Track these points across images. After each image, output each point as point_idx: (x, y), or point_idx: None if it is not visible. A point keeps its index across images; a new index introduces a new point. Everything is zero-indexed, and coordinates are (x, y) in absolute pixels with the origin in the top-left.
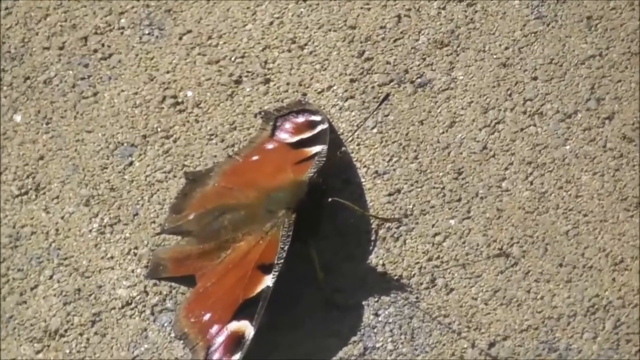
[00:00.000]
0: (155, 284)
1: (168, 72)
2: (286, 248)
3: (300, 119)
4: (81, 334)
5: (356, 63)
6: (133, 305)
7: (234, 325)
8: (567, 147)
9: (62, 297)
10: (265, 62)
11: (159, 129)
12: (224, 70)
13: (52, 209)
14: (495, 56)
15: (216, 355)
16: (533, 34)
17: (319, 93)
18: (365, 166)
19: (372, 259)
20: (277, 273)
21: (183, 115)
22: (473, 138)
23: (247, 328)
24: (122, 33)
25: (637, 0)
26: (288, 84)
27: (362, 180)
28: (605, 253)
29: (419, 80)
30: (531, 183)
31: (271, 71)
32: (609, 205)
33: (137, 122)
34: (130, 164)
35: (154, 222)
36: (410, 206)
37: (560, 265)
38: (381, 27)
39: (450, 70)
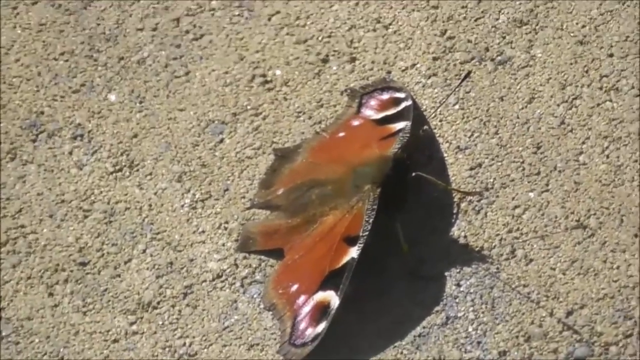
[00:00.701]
0: (245, 257)
1: (257, 51)
2: (371, 221)
3: (385, 96)
4: (173, 306)
5: (439, 42)
6: (223, 277)
7: (320, 296)
8: None
9: (155, 270)
10: (351, 41)
11: (248, 107)
12: (312, 50)
13: (146, 185)
14: (572, 34)
15: (302, 325)
16: (609, 12)
17: (402, 71)
18: (447, 141)
19: (455, 231)
20: (362, 245)
21: (272, 94)
22: (551, 113)
23: (333, 298)
24: (212, 14)
25: None
26: (373, 62)
27: (445, 155)
28: None
29: (499, 57)
30: (607, 156)
31: (357, 50)
32: None
33: (227, 101)
34: (221, 141)
35: (243, 197)
36: (491, 180)
37: (636, 235)
38: (462, 7)
39: (529, 48)
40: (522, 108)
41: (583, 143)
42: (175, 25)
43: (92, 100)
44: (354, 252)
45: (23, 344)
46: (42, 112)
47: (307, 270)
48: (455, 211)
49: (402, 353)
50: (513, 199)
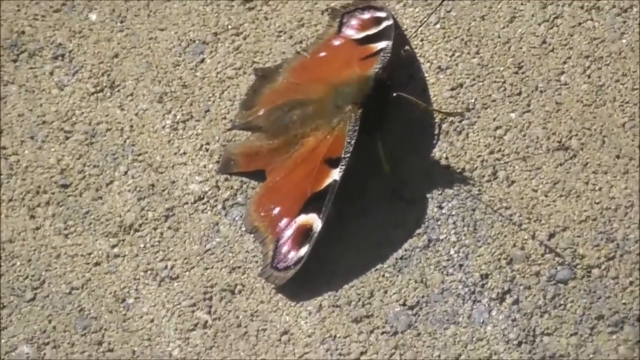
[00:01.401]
0: (226, 179)
1: None
2: (353, 142)
3: (366, 15)
4: (155, 229)
5: None
6: (205, 199)
7: (302, 219)
8: (624, 40)
9: (137, 192)
10: None
11: (229, 27)
12: None
13: (127, 106)
14: None
15: (285, 248)
16: None
17: None
18: (428, 61)
19: (436, 152)
20: (344, 167)
21: (252, 13)
22: (532, 33)
23: (315, 221)
24: None
25: None
26: None
27: (426, 75)
28: None
29: None
30: (589, 76)
31: None
32: None
33: (208, 20)
34: (202, 61)
35: (224, 118)
36: (472, 100)
37: (618, 157)
38: None
39: None
40: (503, 27)
41: (564, 63)
42: None
43: (73, 19)
44: (336, 174)
45: (4, 267)
46: (23, 32)
47: (289, 192)
48: (436, 132)
49: (383, 276)
50: (494, 119)
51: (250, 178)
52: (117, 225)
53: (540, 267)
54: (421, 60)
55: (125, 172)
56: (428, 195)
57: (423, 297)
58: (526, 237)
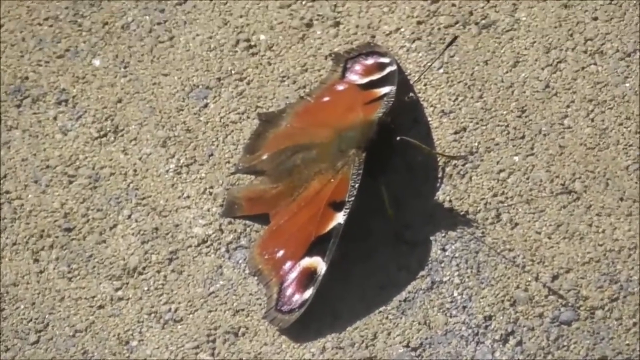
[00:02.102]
0: (230, 222)
1: (241, 16)
2: (357, 186)
3: (370, 60)
4: (159, 272)
5: (423, 5)
6: (209, 243)
7: (307, 262)
8: (627, 84)
9: (140, 235)
10: (335, 6)
11: (232, 72)
12: (295, 14)
13: (130, 151)
14: None
15: (289, 291)
16: None
17: (387, 35)
18: (432, 105)
19: (440, 195)
20: (348, 210)
21: (256, 58)
22: (536, 77)
23: (319, 264)
24: None
25: None
26: (357, 26)
27: (429, 119)
28: None
29: (483, 21)
30: (592, 120)
31: (341, 14)
32: None
33: (211, 65)
34: (205, 105)
35: (228, 162)
36: (476, 144)
37: (621, 199)
38: None
39: (513, 11)
40: (507, 72)
41: (568, 107)
42: None
43: (76, 65)
44: (340, 217)
45: (8, 310)
46: (27, 78)
47: (293, 235)
48: (439, 175)
49: (387, 318)
50: (498, 162)
51: (253, 221)
52: (121, 268)
53: (543, 308)
54: (425, 104)
55: (129, 216)
56: (431, 238)
57: (426, 338)
58: (529, 279)
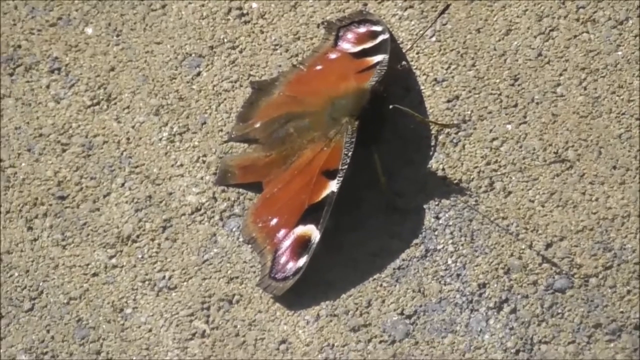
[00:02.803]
0: (223, 190)
1: None
2: (350, 154)
3: (362, 29)
4: (152, 240)
5: None
6: (202, 211)
7: (300, 230)
8: (619, 52)
9: (134, 204)
10: None
11: (225, 40)
12: None
13: (123, 119)
14: None
15: (283, 258)
16: None
17: (379, 3)
18: (424, 74)
19: (432, 164)
20: (341, 178)
21: (248, 27)
22: (528, 45)
23: (313, 232)
24: None
25: None
26: None
27: (422, 87)
28: None
29: None
30: (585, 88)
31: None
32: None
33: (204, 34)
34: (198, 74)
35: (221, 130)
36: (469, 112)
37: (614, 167)
38: None
39: None
40: (499, 40)
41: (560, 75)
42: None
43: (69, 33)
44: (333, 185)
45: (3, 277)
46: (20, 46)
47: (286, 203)
48: (432, 144)
49: (381, 285)
50: (491, 131)
51: (247, 190)
52: (115, 236)
53: (537, 276)
54: (417, 73)
55: (123, 184)
56: (425, 206)
57: (421, 306)
58: (523, 247)
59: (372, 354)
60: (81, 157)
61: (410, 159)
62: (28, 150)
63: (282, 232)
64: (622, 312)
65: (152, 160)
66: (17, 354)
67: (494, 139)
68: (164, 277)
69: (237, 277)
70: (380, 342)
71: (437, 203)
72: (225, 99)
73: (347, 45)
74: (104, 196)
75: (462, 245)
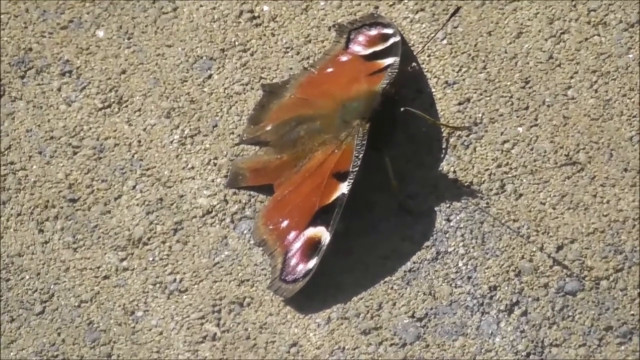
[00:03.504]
0: (234, 193)
1: None
2: (361, 156)
3: (373, 31)
4: (164, 242)
5: None
6: (213, 213)
7: (311, 232)
8: (630, 55)
9: (145, 206)
10: None
11: (236, 43)
12: None
13: (135, 121)
14: None
15: (294, 260)
16: None
17: (390, 6)
18: (435, 76)
19: (444, 166)
20: (352, 181)
21: (259, 29)
22: (539, 48)
23: (324, 234)
24: None
25: None
26: None
27: (433, 90)
28: None
29: None
30: (596, 91)
31: None
32: None
33: (215, 36)
34: (209, 76)
35: (232, 133)
36: (480, 115)
37: (625, 170)
38: None
39: None
40: (510, 43)
41: (571, 77)
42: None
43: (80, 36)
44: (344, 187)
45: (13, 280)
46: (31, 49)
47: (297, 206)
48: (444, 146)
49: (392, 288)
50: (502, 133)
51: (258, 192)
52: (126, 239)
53: (548, 279)
54: (428, 75)
55: (134, 187)
56: (436, 209)
57: (432, 309)
58: (534, 250)
59: (383, 357)
60: (92, 160)
61: (422, 161)
62: (39, 152)
63: (292, 234)
64: (633, 314)
65: (164, 162)
66: (28, 357)
67: (505, 142)
68: (174, 280)
69: (248, 280)
70: (391, 345)
71: (448, 205)
72: (236, 102)
73: (358, 47)
74: (115, 199)
75: (473, 247)
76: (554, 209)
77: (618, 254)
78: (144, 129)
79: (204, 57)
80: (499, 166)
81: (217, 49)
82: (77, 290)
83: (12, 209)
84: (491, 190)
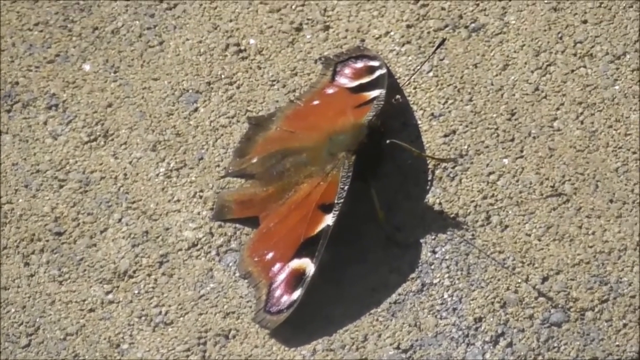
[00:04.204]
0: (220, 226)
1: (231, 20)
2: (346, 188)
3: (359, 64)
4: (149, 275)
5: (412, 9)
6: (199, 246)
7: (296, 263)
8: (617, 87)
9: (131, 239)
10: (325, 10)
11: (222, 76)
12: (285, 18)
13: (121, 155)
14: (546, 1)
15: (278, 292)
16: None
17: (376, 39)
18: (421, 109)
19: (430, 198)
20: (337, 212)
21: (246, 62)
22: (525, 80)
23: (308, 265)
24: None
25: None
26: (347, 30)
27: (419, 122)
28: None
29: (472, 25)
30: (582, 122)
31: (330, 18)
32: None
33: (201, 70)
34: (195, 110)
35: (218, 165)
36: (465, 146)
37: (611, 201)
38: None
39: (502, 15)
40: (496, 75)
41: (557, 109)
42: None
43: (66, 70)
44: (329, 219)
45: None
46: (17, 83)
47: (282, 238)
48: (429, 178)
49: (377, 320)
50: (487, 165)
51: (244, 225)
52: (112, 271)
53: (533, 310)
54: (414, 107)
55: (120, 220)
56: (422, 240)
57: (417, 340)
58: (519, 281)
59: None
60: (78, 193)
61: (408, 193)
62: (25, 186)
63: (277, 266)
64: (618, 345)
65: (149, 195)
66: None
67: (490, 173)
68: (160, 313)
69: (233, 312)
70: None
71: (434, 237)
72: (222, 135)
73: (345, 80)
74: (101, 232)
75: (459, 279)
76: (539, 240)
77: (603, 285)
78: (130, 162)
79: (190, 91)
80: (485, 198)
81: (204, 82)
82: (63, 323)
83: None
84: (477, 221)
